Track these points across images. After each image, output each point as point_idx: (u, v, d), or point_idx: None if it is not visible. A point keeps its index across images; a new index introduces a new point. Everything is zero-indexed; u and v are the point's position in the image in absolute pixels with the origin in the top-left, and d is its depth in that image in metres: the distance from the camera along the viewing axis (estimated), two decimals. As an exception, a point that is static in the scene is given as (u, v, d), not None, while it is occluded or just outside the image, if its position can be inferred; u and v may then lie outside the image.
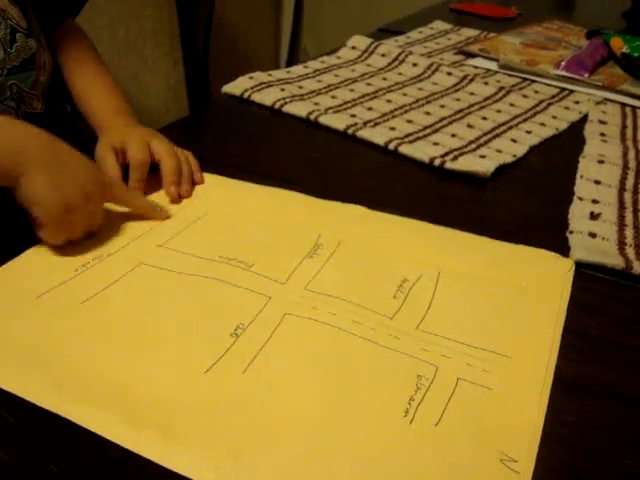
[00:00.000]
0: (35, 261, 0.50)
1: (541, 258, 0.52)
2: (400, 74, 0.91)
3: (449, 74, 0.91)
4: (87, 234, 0.52)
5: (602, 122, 0.79)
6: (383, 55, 0.96)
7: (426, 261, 0.51)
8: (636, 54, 0.91)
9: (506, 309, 0.47)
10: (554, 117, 0.80)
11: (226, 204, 0.59)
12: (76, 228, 0.51)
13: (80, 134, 0.72)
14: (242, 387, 0.39)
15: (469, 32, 1.16)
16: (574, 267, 0.51)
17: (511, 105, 0.83)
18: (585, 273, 0.51)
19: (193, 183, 0.61)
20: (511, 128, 0.76)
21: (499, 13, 1.32)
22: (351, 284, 0.49)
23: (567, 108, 0.83)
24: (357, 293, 0.48)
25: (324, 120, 0.74)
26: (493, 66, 0.97)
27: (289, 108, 0.77)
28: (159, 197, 0.60)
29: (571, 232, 0.55)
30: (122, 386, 0.39)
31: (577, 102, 0.85)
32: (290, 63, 2.92)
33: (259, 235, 0.55)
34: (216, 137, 0.74)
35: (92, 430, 0.36)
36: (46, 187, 0.49)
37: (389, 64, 0.94)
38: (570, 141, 0.75)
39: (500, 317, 0.46)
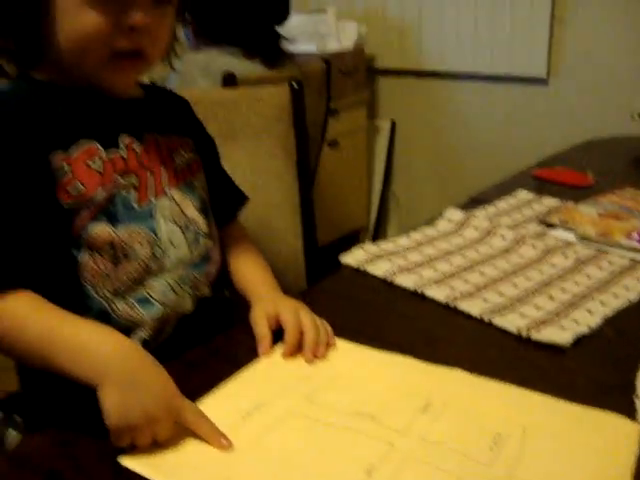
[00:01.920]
0: (208, 409, 0.66)
1: (611, 420, 0.65)
2: (490, 246, 1.07)
3: (533, 246, 1.06)
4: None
5: (669, 293, 0.91)
6: (475, 228, 1.13)
7: (515, 420, 0.65)
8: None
9: (581, 463, 0.59)
10: (626, 288, 0.93)
11: (353, 366, 0.75)
12: (139, 441, 0.60)
13: (232, 315, 0.91)
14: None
15: (550, 201, 1.31)
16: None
17: (587, 277, 0.96)
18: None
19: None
20: (587, 299, 0.89)
21: (577, 181, 1.47)
22: (456, 436, 0.63)
23: (638, 279, 0.96)
24: (462, 444, 0.62)
25: (428, 292, 0.91)
26: (571, 237, 1.12)
27: (398, 280, 0.94)
28: (298, 358, 0.76)
29: (637, 396, 0.67)
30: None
31: (647, 273, 0.98)
32: (381, 208, 3.14)
33: (382, 393, 0.70)
34: (338, 305, 0.91)
35: None
36: (114, 405, 0.59)
37: (480, 237, 1.10)
38: (640, 311, 0.88)
39: (576, 469, 0.59)
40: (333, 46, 2.77)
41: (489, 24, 2.75)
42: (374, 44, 3.02)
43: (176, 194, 0.83)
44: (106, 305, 0.75)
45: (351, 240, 3.05)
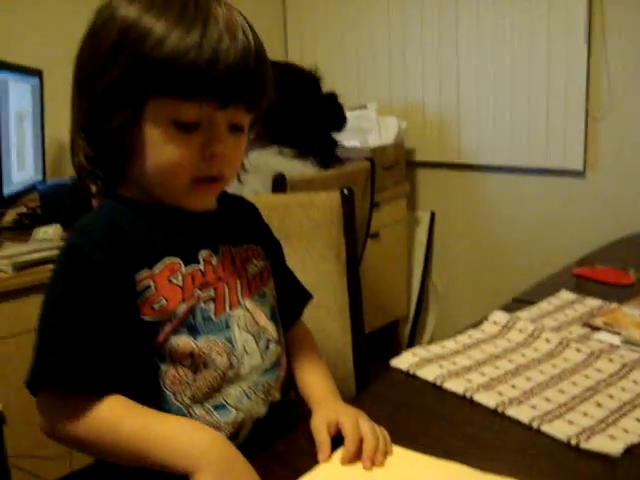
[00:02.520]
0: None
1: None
2: (535, 350, 1.10)
3: (578, 350, 1.09)
4: None
5: None
6: (520, 331, 1.16)
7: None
8: None
9: None
10: (673, 395, 0.95)
11: (410, 473, 0.78)
12: None
13: (296, 417, 0.95)
14: None
15: (593, 302, 1.34)
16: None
17: (634, 383, 0.99)
18: None
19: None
20: (635, 407, 0.92)
21: (618, 279, 1.50)
22: None
23: (684, 385, 0.98)
24: None
25: (477, 398, 0.94)
26: (616, 340, 1.14)
27: (447, 385, 0.98)
28: (356, 464, 0.79)
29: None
30: None
31: (694, 378, 1.00)
32: (420, 297, 3.17)
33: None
34: (389, 410, 0.94)
35: None
36: None
37: (525, 340, 1.14)
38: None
39: None
40: (375, 141, 2.88)
41: (525, 119, 2.84)
42: (413, 138, 3.12)
43: (249, 304, 0.89)
44: (184, 410, 0.81)
45: (391, 329, 3.08)
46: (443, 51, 3.02)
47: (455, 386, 0.98)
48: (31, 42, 2.53)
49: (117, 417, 0.74)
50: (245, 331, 0.87)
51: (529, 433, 0.87)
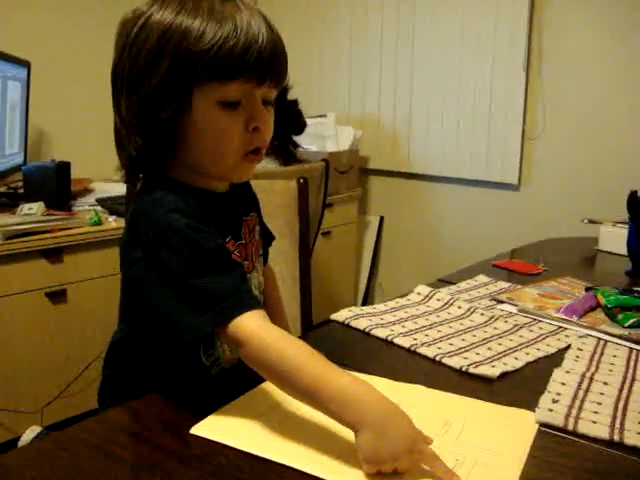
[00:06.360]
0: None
1: (518, 411, 0.93)
2: (449, 313, 1.36)
3: (482, 314, 1.35)
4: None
5: (579, 349, 1.20)
6: (438, 300, 1.42)
7: (455, 412, 0.93)
8: (610, 305, 1.35)
9: (495, 434, 0.87)
10: (548, 345, 1.22)
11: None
12: (384, 470, 0.74)
13: None
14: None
15: (503, 284, 1.61)
16: (537, 426, 0.91)
17: (520, 337, 1.25)
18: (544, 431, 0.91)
19: None
20: (516, 351, 1.18)
21: (528, 269, 1.78)
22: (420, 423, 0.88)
23: (559, 339, 1.25)
24: (425, 427, 0.85)
25: (396, 341, 1.19)
26: (514, 310, 1.41)
27: (375, 332, 1.23)
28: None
29: (538, 408, 0.95)
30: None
31: (567, 336, 1.27)
32: (367, 295, 3.43)
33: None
34: (328, 347, 1.18)
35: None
36: (369, 446, 0.74)
37: (442, 306, 1.40)
38: (554, 360, 1.16)
39: (494, 437, 0.86)
40: (332, 147, 3.14)
41: (469, 136, 3.14)
42: (368, 147, 3.40)
43: (258, 266, 1.09)
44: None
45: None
46: (399, 70, 3.30)
47: (379, 333, 1.23)
48: (18, 34, 2.74)
49: (304, 359, 0.83)
50: (257, 291, 1.07)
51: (433, 365, 1.12)
